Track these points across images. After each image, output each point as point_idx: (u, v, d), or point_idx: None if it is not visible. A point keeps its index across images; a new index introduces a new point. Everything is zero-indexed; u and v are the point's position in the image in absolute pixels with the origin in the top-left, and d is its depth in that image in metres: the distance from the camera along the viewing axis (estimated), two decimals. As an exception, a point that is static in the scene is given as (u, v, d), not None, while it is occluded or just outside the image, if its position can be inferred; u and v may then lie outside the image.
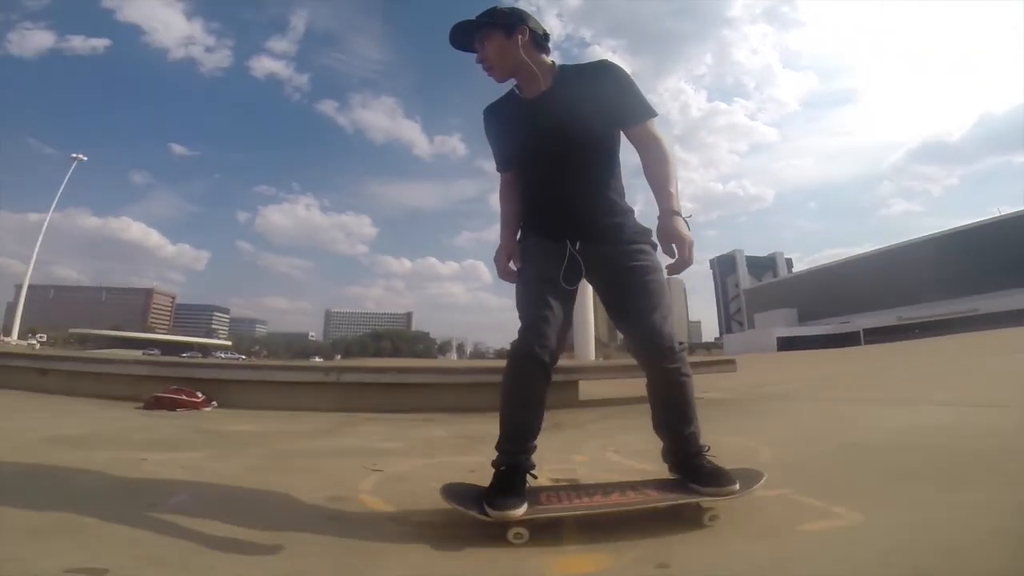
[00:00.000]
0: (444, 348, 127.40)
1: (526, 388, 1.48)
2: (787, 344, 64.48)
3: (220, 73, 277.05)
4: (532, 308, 1.50)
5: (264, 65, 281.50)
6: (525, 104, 1.62)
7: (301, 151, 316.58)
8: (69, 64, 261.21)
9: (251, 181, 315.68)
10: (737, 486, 1.45)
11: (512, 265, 1.70)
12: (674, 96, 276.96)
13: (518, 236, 1.72)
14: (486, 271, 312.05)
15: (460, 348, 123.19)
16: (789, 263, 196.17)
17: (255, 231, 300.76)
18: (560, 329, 1.53)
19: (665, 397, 1.56)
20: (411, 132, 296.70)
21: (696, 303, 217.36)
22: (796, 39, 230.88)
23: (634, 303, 1.51)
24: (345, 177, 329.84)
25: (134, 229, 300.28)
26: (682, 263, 1.44)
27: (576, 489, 1.58)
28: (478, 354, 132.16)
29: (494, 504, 1.34)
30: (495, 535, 1.29)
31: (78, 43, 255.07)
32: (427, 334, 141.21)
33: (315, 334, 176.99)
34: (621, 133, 1.60)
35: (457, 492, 1.48)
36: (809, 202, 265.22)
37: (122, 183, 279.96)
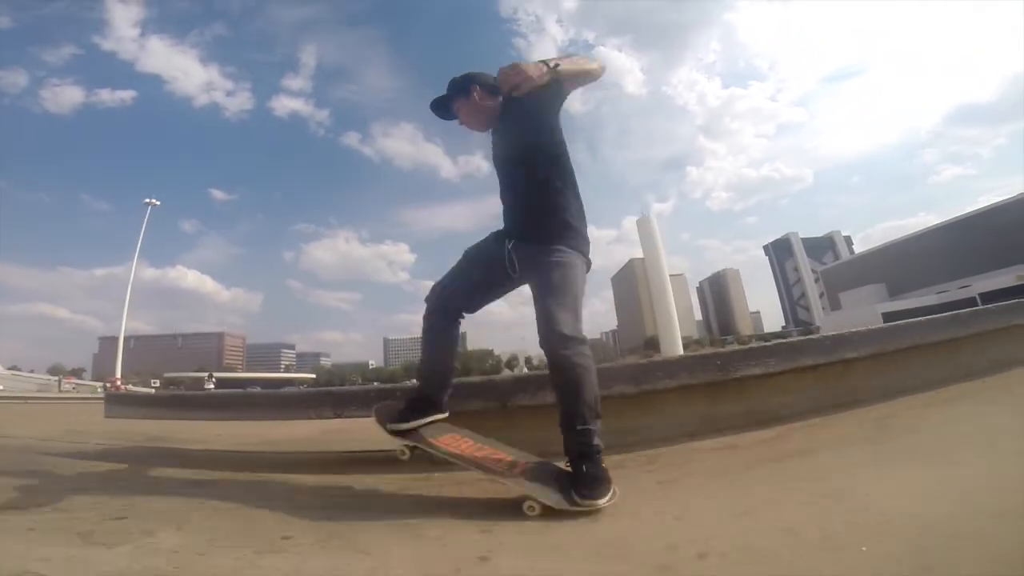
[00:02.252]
0: (511, 363, 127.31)
1: (433, 341, 1.87)
2: (893, 318, 60.83)
3: (245, 116, 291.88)
4: (451, 274, 1.94)
5: (284, 104, 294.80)
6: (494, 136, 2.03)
7: (333, 185, 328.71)
8: (102, 117, 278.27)
9: (290, 220, 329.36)
10: (604, 501, 1.40)
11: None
12: (689, 87, 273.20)
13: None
14: (526, 287, 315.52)
15: (528, 361, 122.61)
16: (848, 240, 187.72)
17: (301, 269, 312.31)
18: (470, 299, 1.92)
19: (556, 384, 1.60)
20: (435, 155, 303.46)
21: (752, 293, 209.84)
22: (802, 11, 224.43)
23: (538, 292, 1.69)
24: (378, 207, 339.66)
25: (190, 277, 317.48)
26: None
27: (476, 442, 1.75)
28: (543, 366, 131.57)
29: (399, 417, 1.72)
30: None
31: (106, 96, 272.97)
32: (491, 351, 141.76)
33: (375, 361, 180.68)
34: (565, 146, 1.88)
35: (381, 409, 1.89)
36: (852, 177, 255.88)
37: (172, 232, 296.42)
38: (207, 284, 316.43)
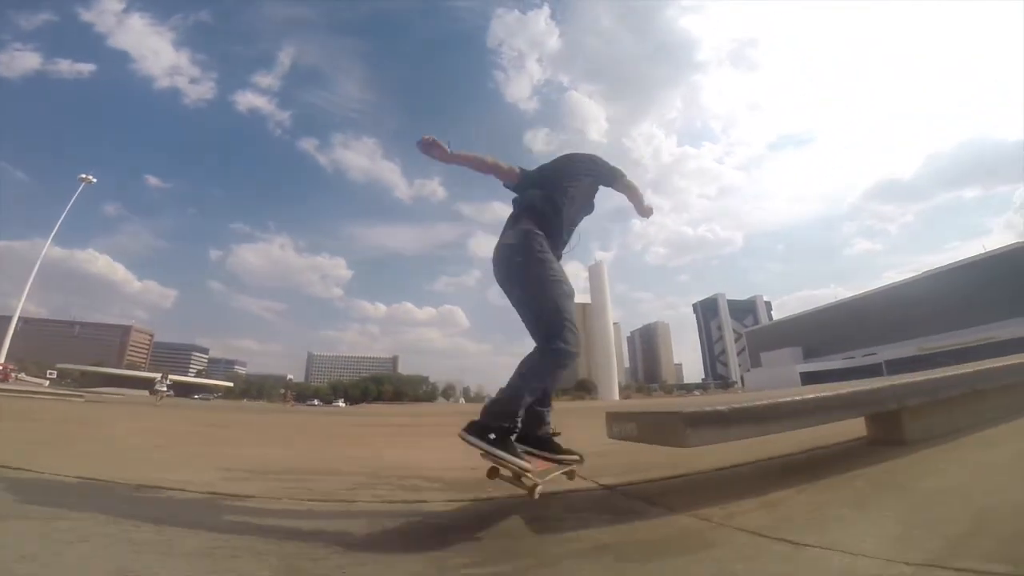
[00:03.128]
0: (448, 392, 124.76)
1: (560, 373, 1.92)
2: (810, 378, 66.47)
3: (203, 105, 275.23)
4: (571, 311, 1.92)
5: (248, 99, 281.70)
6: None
7: (279, 189, 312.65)
8: (53, 87, 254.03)
9: (227, 217, 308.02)
10: (579, 457, 2.01)
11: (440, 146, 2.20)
12: (647, 141, 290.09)
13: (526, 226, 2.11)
14: (464, 317, 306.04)
15: (466, 391, 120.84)
16: (768, 305, 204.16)
17: (228, 270, 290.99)
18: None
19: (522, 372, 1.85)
20: (391, 174, 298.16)
21: (676, 347, 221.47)
22: (760, 81, 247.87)
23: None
24: (322, 217, 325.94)
25: (100, 262, 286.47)
26: None
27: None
28: (481, 397, 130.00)
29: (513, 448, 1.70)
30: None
31: (65, 67, 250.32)
32: (427, 378, 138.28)
33: (293, 376, 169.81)
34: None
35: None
36: (777, 244, 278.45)
37: (91, 213, 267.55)
38: (118, 272, 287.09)
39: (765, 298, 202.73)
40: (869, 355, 71.94)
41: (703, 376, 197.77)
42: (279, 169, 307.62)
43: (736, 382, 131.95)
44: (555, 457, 1.99)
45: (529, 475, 1.68)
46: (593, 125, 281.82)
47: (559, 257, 2.11)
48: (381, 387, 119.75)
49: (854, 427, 2.78)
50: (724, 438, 1.85)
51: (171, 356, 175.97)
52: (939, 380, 2.76)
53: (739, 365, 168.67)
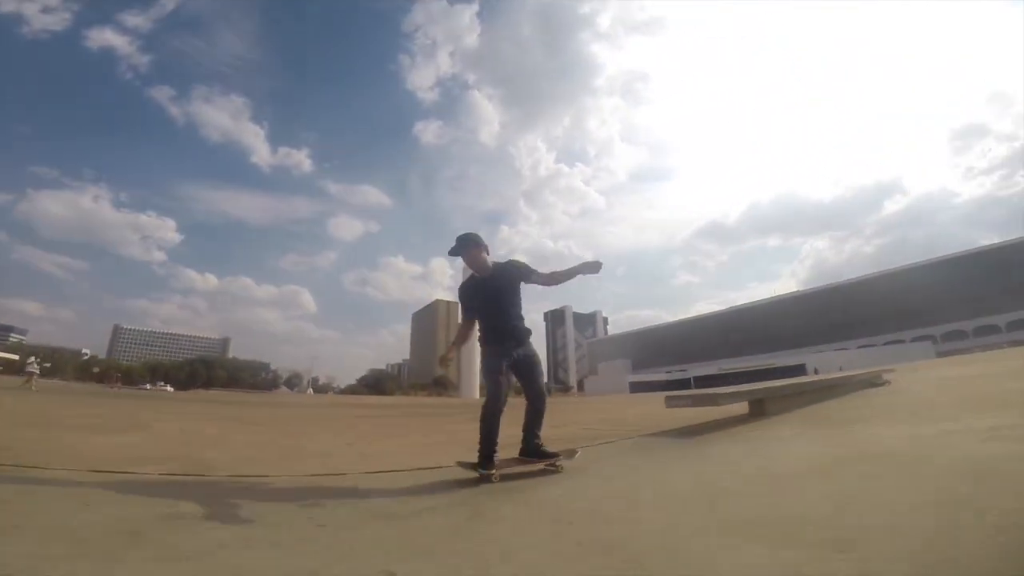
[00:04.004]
0: (292, 381, 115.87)
1: (495, 425, 3.03)
2: (638, 387, 77.85)
3: (45, 36, 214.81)
4: (496, 386, 3.05)
5: (104, 37, 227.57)
6: (481, 281, 3.26)
7: (108, 135, 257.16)
8: None
9: (29, 159, 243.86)
10: (561, 458, 3.20)
11: (446, 360, 3.45)
12: (529, 152, 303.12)
13: (466, 345, 3.46)
14: (310, 300, 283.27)
15: (314, 382, 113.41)
16: (605, 320, 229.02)
17: (14, 217, 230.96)
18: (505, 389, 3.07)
19: (534, 418, 3.25)
20: (253, 138, 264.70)
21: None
22: (640, 115, 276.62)
23: (533, 372, 3.25)
24: (156, 172, 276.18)
25: None
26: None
27: (510, 463, 3.13)
28: (326, 388, 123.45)
29: (484, 467, 2.90)
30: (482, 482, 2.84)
31: None
32: (267, 364, 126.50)
33: (90, 351, 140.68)
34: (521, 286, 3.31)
35: (464, 463, 3.07)
36: (619, 267, 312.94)
37: None
38: None
39: (604, 313, 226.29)
40: (681, 371, 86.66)
41: (544, 380, 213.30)
42: (115, 115, 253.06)
43: (573, 387, 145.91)
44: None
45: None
46: (486, 128, 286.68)
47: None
48: (212, 371, 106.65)
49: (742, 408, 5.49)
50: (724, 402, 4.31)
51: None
52: (781, 387, 5.63)
53: (576, 372, 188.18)
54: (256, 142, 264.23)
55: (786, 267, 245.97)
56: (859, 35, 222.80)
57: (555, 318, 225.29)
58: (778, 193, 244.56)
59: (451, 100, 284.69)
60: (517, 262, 3.32)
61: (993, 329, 71.50)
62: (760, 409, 5.18)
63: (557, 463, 3.16)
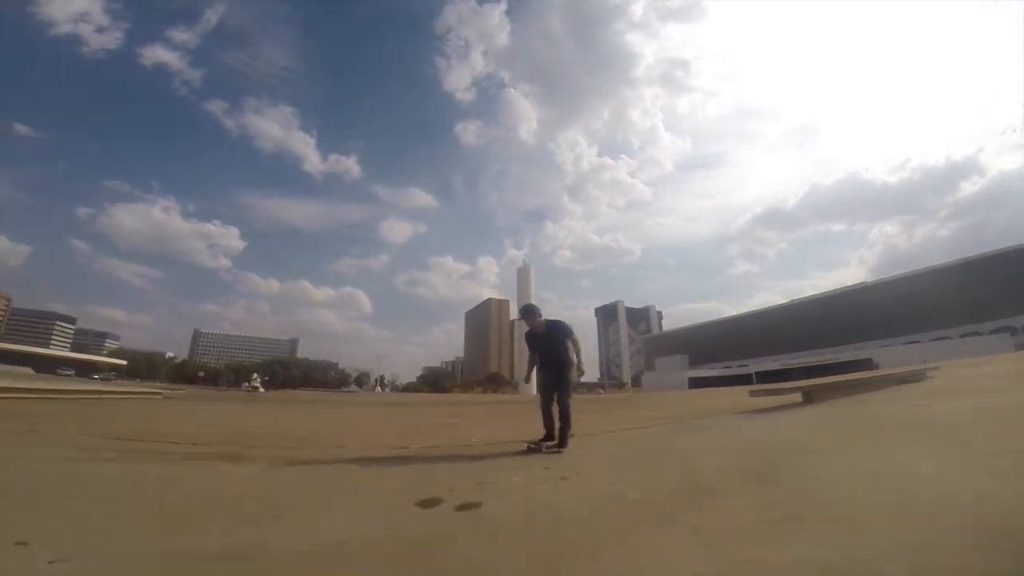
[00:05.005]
0: (361, 380, 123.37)
1: (550, 415, 4.93)
2: (696, 383, 77.86)
3: (102, 55, 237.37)
4: (544, 394, 5.09)
5: (156, 54, 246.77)
6: (538, 335, 5.15)
7: (172, 149, 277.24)
8: None
9: (103, 174, 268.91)
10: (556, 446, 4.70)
11: (528, 378, 5.38)
12: (570, 147, 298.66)
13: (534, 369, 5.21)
14: (366, 301, 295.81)
15: (381, 381, 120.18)
16: (659, 315, 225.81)
17: (96, 230, 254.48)
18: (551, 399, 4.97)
19: (562, 419, 4.79)
20: (304, 146, 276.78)
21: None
22: (683, 104, 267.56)
23: (562, 398, 4.89)
24: (217, 183, 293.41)
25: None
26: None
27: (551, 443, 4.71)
28: (390, 386, 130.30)
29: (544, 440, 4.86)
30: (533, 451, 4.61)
31: None
32: (336, 363, 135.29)
33: (172, 354, 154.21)
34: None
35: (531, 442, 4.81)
36: (669, 259, 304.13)
37: None
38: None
39: (657, 308, 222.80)
40: (742, 366, 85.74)
41: (599, 376, 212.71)
42: (175, 129, 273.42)
43: (627, 383, 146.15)
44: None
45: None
46: (524, 125, 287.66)
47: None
48: (288, 371, 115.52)
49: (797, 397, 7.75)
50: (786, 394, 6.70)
51: (30, 325, 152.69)
52: (825, 383, 7.83)
53: (630, 368, 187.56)
54: (307, 150, 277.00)
55: (853, 253, 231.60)
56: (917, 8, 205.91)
57: (607, 314, 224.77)
58: (840, 176, 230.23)
59: (488, 100, 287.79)
60: (563, 325, 5.16)
61: (1087, 319, 66.33)
62: (809, 399, 7.42)
63: (557, 448, 4.72)
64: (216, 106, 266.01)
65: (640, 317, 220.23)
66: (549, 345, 5.01)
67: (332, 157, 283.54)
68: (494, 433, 6.73)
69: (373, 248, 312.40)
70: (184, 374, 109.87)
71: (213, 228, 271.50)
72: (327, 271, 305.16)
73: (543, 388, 5.01)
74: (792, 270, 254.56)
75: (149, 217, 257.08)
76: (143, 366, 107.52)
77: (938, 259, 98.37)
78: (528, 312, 5.13)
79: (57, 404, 10.64)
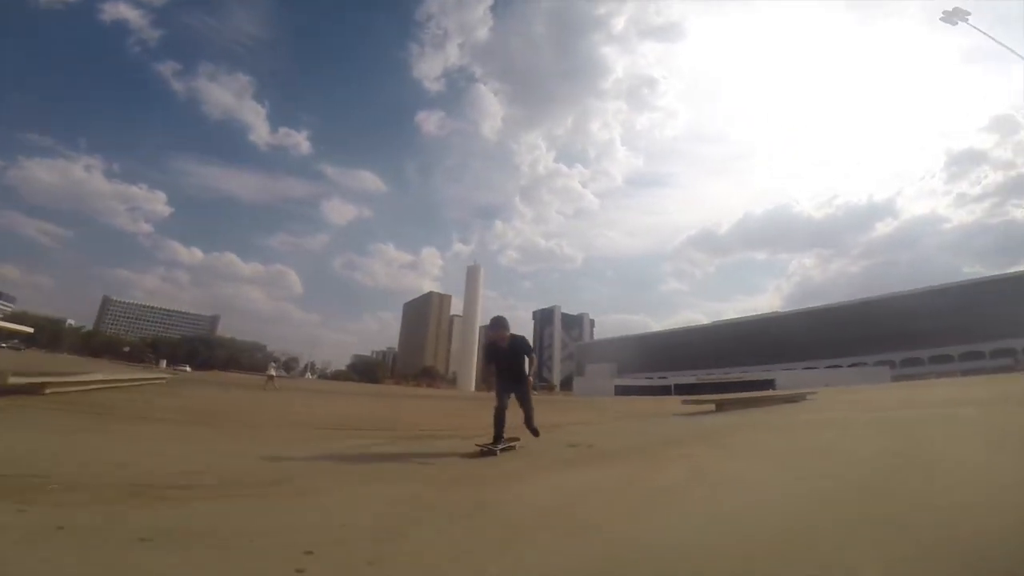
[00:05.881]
0: (290, 364, 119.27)
1: (502, 419, 5.14)
2: (622, 391, 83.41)
3: (59, 6, 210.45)
4: (502, 399, 5.24)
5: (118, 10, 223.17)
6: (501, 348, 5.38)
7: (108, 108, 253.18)
8: None
9: (24, 126, 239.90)
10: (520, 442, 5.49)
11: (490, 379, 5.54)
12: (530, 149, 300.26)
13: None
14: (297, 280, 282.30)
15: (312, 367, 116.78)
16: (592, 323, 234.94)
17: (2, 183, 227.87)
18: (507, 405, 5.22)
19: (527, 418, 5.51)
20: (254, 116, 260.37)
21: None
22: (642, 121, 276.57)
23: (524, 399, 5.45)
24: (152, 146, 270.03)
25: None
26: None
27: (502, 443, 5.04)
28: (323, 375, 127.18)
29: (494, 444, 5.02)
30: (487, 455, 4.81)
31: None
32: (264, 346, 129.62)
33: (74, 321, 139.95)
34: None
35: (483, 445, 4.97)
36: (608, 270, 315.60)
37: None
38: None
39: (591, 316, 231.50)
40: (662, 378, 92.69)
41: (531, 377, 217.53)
42: (119, 89, 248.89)
43: (556, 386, 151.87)
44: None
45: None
46: (489, 122, 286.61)
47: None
48: (212, 351, 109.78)
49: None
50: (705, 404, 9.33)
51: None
52: (732, 398, 10.59)
53: (560, 371, 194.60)
54: (256, 120, 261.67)
55: (772, 281, 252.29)
56: (867, 55, 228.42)
57: (544, 317, 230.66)
58: (771, 207, 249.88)
59: (456, 92, 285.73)
60: (525, 342, 5.48)
61: (947, 359, 78.61)
62: (720, 408, 10.12)
63: (517, 444, 5.30)
64: (168, 68, 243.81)
65: (574, 323, 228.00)
66: (512, 358, 5.35)
67: (282, 130, 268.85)
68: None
69: (312, 227, 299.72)
70: (91, 346, 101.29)
71: (137, 191, 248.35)
72: (258, 246, 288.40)
73: (501, 395, 5.25)
74: (716, 292, 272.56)
75: (68, 174, 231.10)
76: (47, 335, 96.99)
77: (845, 294, 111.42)
78: (501, 326, 5.40)
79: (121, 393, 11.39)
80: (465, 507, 2.76)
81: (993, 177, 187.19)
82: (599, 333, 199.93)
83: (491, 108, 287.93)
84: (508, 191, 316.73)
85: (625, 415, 11.23)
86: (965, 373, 59.48)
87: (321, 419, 9.31)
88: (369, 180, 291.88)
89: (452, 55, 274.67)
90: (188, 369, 67.05)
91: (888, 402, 11.79)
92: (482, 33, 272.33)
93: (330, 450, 4.95)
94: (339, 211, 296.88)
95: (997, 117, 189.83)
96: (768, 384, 67.27)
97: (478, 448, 4.85)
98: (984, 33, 24.04)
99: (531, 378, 5.47)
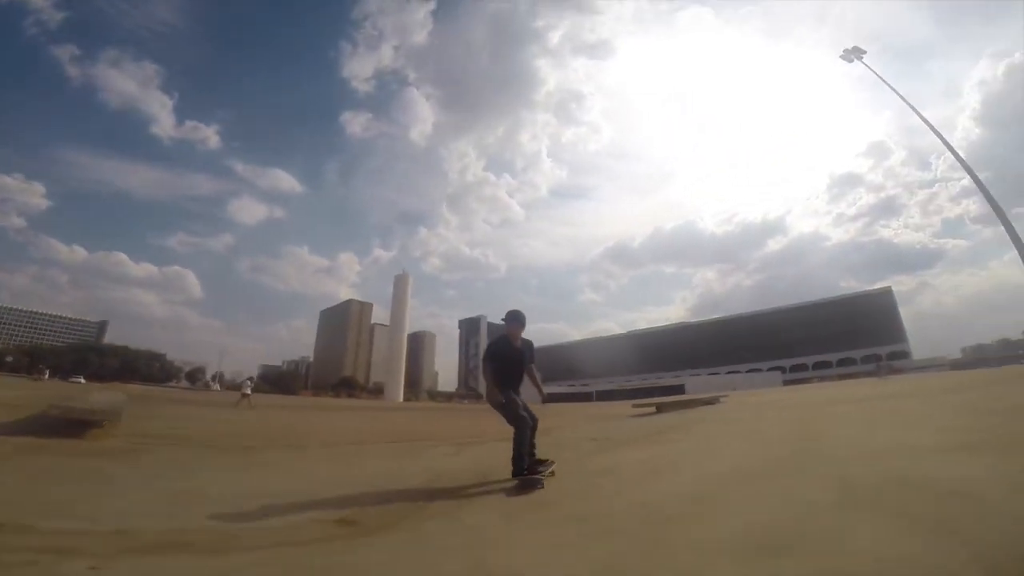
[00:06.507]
0: (194, 375, 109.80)
1: (530, 438, 4.23)
2: (548, 398, 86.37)
3: None
4: (523, 411, 4.21)
5: None
6: (513, 347, 4.48)
7: None
8: None
9: None
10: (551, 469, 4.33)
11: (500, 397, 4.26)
12: (460, 157, 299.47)
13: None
14: (196, 284, 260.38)
15: (221, 377, 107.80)
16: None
17: None
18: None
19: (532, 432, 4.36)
20: (159, 107, 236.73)
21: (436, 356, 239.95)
22: (569, 134, 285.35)
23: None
24: (33, 134, 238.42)
25: None
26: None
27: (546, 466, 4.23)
28: (235, 386, 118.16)
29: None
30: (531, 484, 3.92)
31: None
32: (164, 355, 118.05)
33: None
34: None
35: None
36: (532, 279, 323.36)
37: None
38: None
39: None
40: (584, 385, 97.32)
41: (456, 386, 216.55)
42: (4, 72, 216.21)
43: (483, 395, 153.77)
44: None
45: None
46: (419, 127, 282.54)
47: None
48: (104, 359, 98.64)
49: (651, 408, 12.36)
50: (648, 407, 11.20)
51: None
52: (668, 401, 12.57)
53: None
54: (161, 112, 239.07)
55: (678, 293, 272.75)
56: (771, 83, 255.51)
57: (470, 327, 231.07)
58: (679, 223, 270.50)
59: (387, 94, 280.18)
60: (533, 346, 4.79)
61: (826, 364, 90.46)
62: (659, 409, 12.02)
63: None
64: (65, 51, 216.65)
65: (499, 333, 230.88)
66: (520, 363, 4.55)
67: (189, 123, 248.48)
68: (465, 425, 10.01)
69: (216, 226, 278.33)
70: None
71: (11, 181, 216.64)
72: (153, 245, 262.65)
73: (515, 401, 4.33)
74: (629, 303, 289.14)
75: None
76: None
77: (741, 306, 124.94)
78: (518, 320, 4.55)
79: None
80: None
81: (866, 199, 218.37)
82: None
83: (422, 113, 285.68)
84: (435, 198, 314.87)
85: (587, 418, 12.78)
86: (841, 377, 68.92)
87: (377, 434, 10.43)
88: (284, 179, 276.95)
89: (386, 57, 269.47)
90: (83, 380, 60.30)
91: (785, 401, 14.41)
92: (420, 37, 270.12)
93: (448, 463, 5.84)
94: (248, 210, 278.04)
95: (873, 143, 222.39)
96: (679, 389, 73.39)
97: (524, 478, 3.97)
98: (874, 72, 28.65)
99: (542, 391, 4.90)
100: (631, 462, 5.22)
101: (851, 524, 2.31)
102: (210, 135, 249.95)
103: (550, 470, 4.29)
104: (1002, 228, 22.14)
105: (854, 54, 29.44)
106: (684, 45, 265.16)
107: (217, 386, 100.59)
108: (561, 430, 8.72)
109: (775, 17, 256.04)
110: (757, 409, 12.06)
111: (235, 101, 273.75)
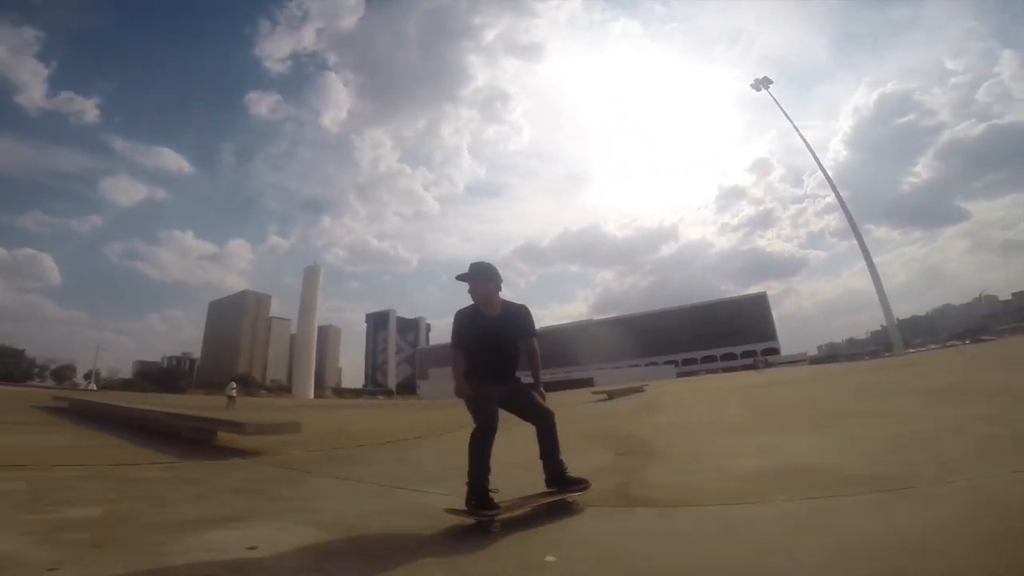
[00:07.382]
0: (63, 373, 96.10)
1: (488, 449, 2.89)
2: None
3: None
4: (489, 409, 2.93)
5: None
6: (488, 318, 3.09)
7: None
8: None
9: None
10: (588, 484, 3.12)
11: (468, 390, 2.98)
12: (374, 147, 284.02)
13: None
14: (55, 269, 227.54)
15: (95, 375, 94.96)
16: (428, 327, 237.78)
17: None
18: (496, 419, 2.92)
19: (547, 438, 3.14)
20: (30, 76, 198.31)
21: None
22: (490, 132, 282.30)
23: (531, 402, 3.16)
24: None
25: None
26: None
27: (518, 500, 2.95)
28: (109, 384, 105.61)
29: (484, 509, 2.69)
30: (483, 530, 2.65)
31: None
32: (23, 351, 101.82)
33: None
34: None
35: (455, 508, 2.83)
36: (443, 274, 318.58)
37: None
38: None
39: (427, 320, 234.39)
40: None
41: (364, 383, 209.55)
42: None
43: (393, 391, 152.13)
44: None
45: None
46: (332, 112, 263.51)
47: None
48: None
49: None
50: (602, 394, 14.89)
51: None
52: (618, 388, 16.30)
53: (396, 376, 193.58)
54: (33, 81, 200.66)
55: (581, 292, 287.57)
56: (678, 96, 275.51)
57: (378, 321, 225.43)
58: (585, 225, 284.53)
59: (302, 77, 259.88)
60: (528, 313, 3.24)
61: (712, 359, 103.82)
62: (610, 396, 15.64)
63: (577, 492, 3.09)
64: None
65: (410, 327, 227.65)
66: (505, 338, 3.10)
67: (64, 94, 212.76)
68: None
69: (82, 206, 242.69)
70: None
71: None
72: (1, 224, 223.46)
73: (485, 404, 3.00)
74: (536, 300, 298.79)
75: None
76: None
77: (636, 305, 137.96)
78: (478, 275, 3.18)
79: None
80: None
81: (747, 211, 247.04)
82: (435, 338, 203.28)
83: (338, 98, 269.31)
84: (342, 186, 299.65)
85: (556, 405, 15.45)
86: (725, 371, 79.85)
87: (427, 428, 10.60)
88: (170, 158, 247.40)
89: (307, 38, 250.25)
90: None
91: (688, 390, 18.89)
92: (349, 22, 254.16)
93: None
94: (124, 190, 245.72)
95: (758, 160, 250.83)
96: (589, 382, 79.96)
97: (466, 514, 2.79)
98: (775, 101, 33.29)
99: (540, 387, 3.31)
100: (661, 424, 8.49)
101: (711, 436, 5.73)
102: (88, 107, 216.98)
103: (576, 495, 3.11)
104: (855, 241, 28.41)
105: (763, 84, 34.01)
106: (609, 56, 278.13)
107: (93, 386, 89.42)
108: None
109: (694, 36, 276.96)
110: (674, 394, 16.15)
111: (123, 73, 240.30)
